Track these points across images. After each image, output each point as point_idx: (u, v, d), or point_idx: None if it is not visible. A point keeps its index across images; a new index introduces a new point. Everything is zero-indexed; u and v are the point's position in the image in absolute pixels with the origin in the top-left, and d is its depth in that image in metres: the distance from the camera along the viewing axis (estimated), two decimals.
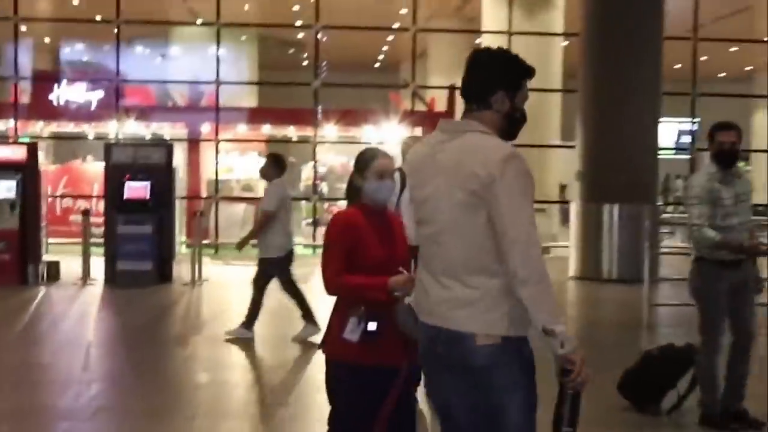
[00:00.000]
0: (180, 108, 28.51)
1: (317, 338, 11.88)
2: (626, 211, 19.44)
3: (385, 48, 36.89)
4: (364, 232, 5.55)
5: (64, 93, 24.89)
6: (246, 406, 10.23)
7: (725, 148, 8.11)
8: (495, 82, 4.52)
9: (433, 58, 34.43)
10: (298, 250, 22.30)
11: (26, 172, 18.44)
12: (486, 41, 26.18)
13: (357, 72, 35.67)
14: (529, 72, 4.60)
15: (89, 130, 27.00)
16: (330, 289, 5.56)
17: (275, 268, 12.92)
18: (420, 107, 26.36)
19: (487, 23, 26.54)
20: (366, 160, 5.67)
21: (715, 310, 8.28)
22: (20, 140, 23.18)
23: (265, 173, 13.47)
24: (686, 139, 30.76)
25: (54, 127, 27.61)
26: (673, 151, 32.45)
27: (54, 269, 18.95)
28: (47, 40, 34.83)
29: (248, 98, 32.12)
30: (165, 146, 20.08)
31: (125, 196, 18.45)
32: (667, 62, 26.52)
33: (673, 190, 36.57)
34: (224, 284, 18.79)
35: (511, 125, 4.57)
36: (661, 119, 22.85)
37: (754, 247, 8.30)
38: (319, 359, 6.65)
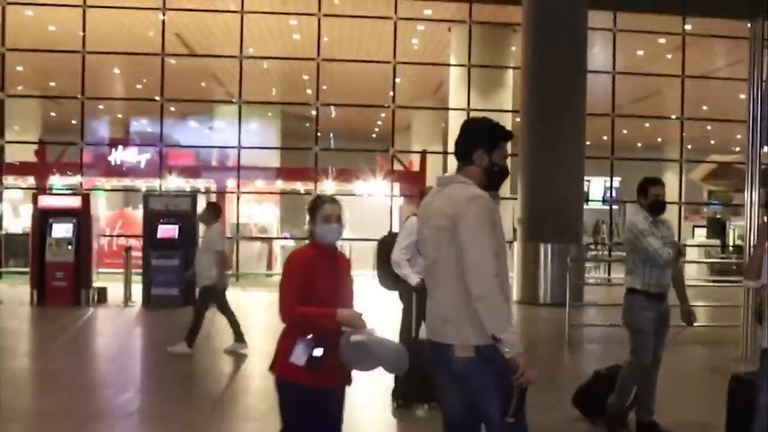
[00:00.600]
0: (210, 167, 28.07)
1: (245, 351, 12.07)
2: (557, 249, 18.99)
3: (379, 122, 36.50)
4: (316, 266, 5.00)
5: (120, 155, 24.47)
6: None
7: (659, 200, 7.69)
8: (475, 142, 4.56)
9: (415, 130, 34.27)
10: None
11: (80, 217, 17.99)
12: (451, 117, 25.66)
13: (360, 141, 35.78)
14: (505, 135, 4.65)
15: (141, 184, 26.35)
16: (285, 317, 4.95)
17: (210, 295, 12.29)
18: (398, 167, 25.69)
19: (453, 102, 25.69)
20: (315, 206, 5.18)
21: (646, 335, 7.71)
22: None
23: (205, 219, 12.83)
24: (608, 193, 30.33)
25: (114, 181, 27.17)
26: (601, 202, 31.87)
27: (102, 294, 18.38)
28: (119, 115, 34.63)
29: (273, 161, 31.49)
30: (190, 196, 19.53)
31: (158, 236, 18.05)
32: (597, 134, 26.76)
33: (601, 232, 35.90)
34: (239, 306, 17.96)
35: (490, 178, 4.58)
36: (588, 178, 22.31)
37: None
38: None
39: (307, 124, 36.35)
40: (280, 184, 28.01)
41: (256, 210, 27.57)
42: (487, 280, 4.25)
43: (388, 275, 9.12)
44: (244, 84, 24.83)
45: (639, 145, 38.26)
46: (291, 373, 4.90)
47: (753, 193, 12.42)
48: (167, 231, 17.95)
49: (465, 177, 4.56)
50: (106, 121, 32.56)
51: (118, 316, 16.71)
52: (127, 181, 26.38)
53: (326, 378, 4.87)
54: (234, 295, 19.31)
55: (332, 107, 28.90)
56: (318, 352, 4.82)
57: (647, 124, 33.80)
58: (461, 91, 25.12)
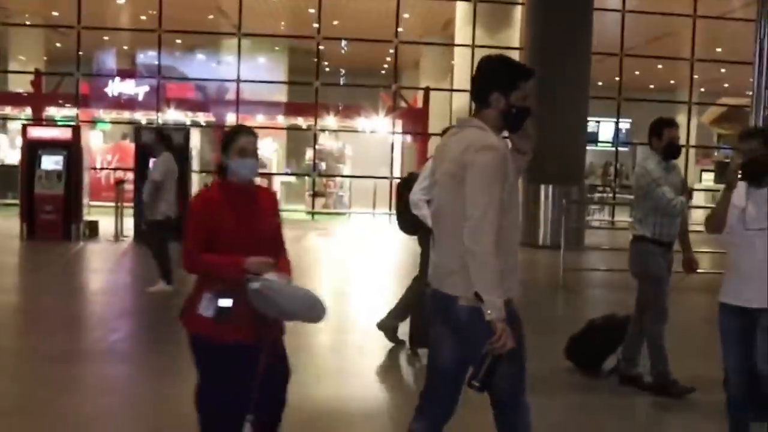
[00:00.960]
0: (210, 100, 27.16)
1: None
2: (558, 191, 18.41)
3: (388, 59, 35.80)
4: (222, 209, 4.41)
5: (117, 87, 23.96)
6: None
7: (674, 143, 7.17)
8: (491, 84, 4.23)
9: (423, 67, 33.46)
10: (300, 215, 21.15)
11: (71, 149, 17.45)
12: (457, 54, 25.00)
13: (369, 77, 35.05)
14: (524, 74, 4.26)
15: (140, 116, 25.83)
16: (186, 265, 4.44)
17: (159, 229, 11.58)
18: (402, 104, 25.07)
19: (459, 39, 25.02)
20: (229, 138, 4.54)
21: (663, 283, 7.25)
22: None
23: (153, 148, 12.25)
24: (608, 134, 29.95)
25: (114, 114, 26.69)
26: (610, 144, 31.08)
27: (93, 228, 17.97)
28: (125, 47, 33.81)
29: (279, 97, 30.53)
30: (183, 129, 18.94)
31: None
32: (609, 75, 26.22)
33: (610, 174, 35.40)
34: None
35: (508, 120, 4.25)
36: (597, 119, 21.66)
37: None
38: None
39: (315, 60, 36.09)
40: (281, 120, 27.40)
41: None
42: (483, 237, 3.96)
43: (407, 218, 8.47)
44: (251, 18, 24.26)
45: (651, 86, 37.35)
46: (199, 326, 4.45)
47: None
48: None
49: (481, 121, 4.23)
50: (111, 52, 31.92)
51: (104, 250, 16.34)
52: (125, 114, 25.82)
53: (239, 331, 4.38)
54: None
55: (343, 43, 28.10)
56: (225, 302, 4.37)
57: (660, 66, 32.92)
58: (468, 27, 24.40)
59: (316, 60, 25.49)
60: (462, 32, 24.81)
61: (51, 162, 17.20)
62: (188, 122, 25.31)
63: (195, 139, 20.33)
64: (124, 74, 25.74)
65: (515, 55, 22.14)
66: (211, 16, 29.99)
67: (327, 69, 37.14)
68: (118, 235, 17.42)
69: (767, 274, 5.09)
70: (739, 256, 5.26)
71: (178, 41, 29.19)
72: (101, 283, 13.25)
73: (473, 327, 4.05)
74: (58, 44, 34.20)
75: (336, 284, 13.67)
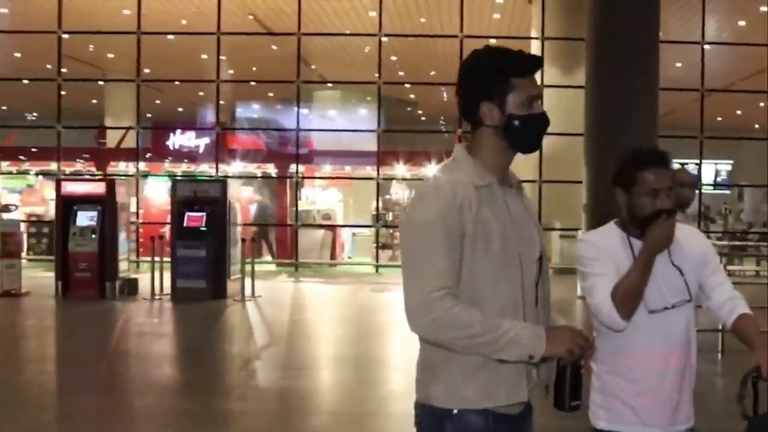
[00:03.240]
0: (271, 152, 25.99)
1: None
2: None
3: None
4: None
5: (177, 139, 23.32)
6: None
7: None
8: (477, 92, 2.89)
9: None
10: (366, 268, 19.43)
11: (105, 204, 16.50)
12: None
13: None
14: (519, 66, 2.89)
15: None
16: None
17: None
18: None
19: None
20: None
21: None
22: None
23: None
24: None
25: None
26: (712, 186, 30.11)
27: (132, 286, 16.82)
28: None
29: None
30: (220, 182, 17.86)
31: (185, 224, 16.37)
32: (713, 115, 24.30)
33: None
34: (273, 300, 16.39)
35: (512, 137, 2.89)
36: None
37: None
38: None
39: (409, 108, 34.91)
40: (348, 169, 26.23)
41: (320, 196, 25.81)
42: (420, 319, 2.73)
43: None
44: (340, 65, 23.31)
45: (756, 126, 34.82)
46: None
47: None
48: (194, 219, 16.30)
49: (476, 145, 2.94)
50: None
51: (132, 310, 15.24)
52: (184, 167, 25.09)
53: None
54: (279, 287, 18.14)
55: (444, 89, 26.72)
56: None
57: (762, 104, 30.54)
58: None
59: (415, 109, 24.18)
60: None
61: (85, 218, 16.33)
62: (258, 173, 24.40)
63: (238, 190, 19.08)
64: (185, 126, 24.98)
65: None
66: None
67: (423, 118, 36.24)
68: (153, 294, 16.26)
69: None
70: None
71: (270, 94, 28.80)
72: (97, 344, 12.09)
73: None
74: (157, 101, 34.38)
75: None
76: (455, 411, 2.83)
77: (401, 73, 28.56)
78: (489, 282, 2.81)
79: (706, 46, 23.16)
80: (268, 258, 23.17)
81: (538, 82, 2.99)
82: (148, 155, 24.48)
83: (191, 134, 23.83)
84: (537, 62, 2.96)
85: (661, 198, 3.33)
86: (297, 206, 22.95)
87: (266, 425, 7.89)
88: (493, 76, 2.86)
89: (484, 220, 2.80)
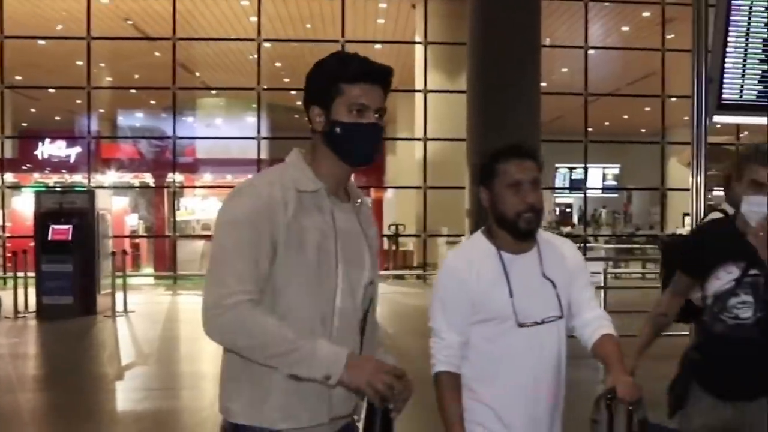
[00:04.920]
0: (147, 161, 25.36)
1: None
2: None
3: None
4: None
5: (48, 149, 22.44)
6: None
7: None
8: (307, 99, 2.72)
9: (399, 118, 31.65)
10: None
11: None
12: (418, 100, 23.00)
13: None
14: (348, 72, 2.67)
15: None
16: None
17: None
18: None
19: (419, 85, 23.15)
20: None
21: None
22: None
23: None
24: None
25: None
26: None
27: None
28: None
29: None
30: (87, 193, 17.00)
31: (49, 237, 15.54)
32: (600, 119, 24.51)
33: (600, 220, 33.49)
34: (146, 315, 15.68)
35: (336, 144, 2.70)
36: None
37: None
38: None
39: (296, 116, 34.51)
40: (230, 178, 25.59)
41: (200, 205, 25.14)
42: (212, 322, 2.54)
43: None
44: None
45: (643, 130, 35.38)
46: None
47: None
48: (59, 231, 15.49)
49: (313, 151, 2.78)
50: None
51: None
52: (56, 177, 24.19)
53: None
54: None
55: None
56: None
57: (648, 108, 31.00)
58: (428, 71, 22.55)
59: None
60: (421, 77, 22.89)
61: None
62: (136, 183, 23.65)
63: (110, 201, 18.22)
64: (55, 135, 24.05)
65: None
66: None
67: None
68: (16, 312, 15.38)
69: None
70: None
71: (152, 102, 27.99)
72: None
73: None
74: (32, 109, 33.18)
75: None
76: (252, 428, 2.66)
77: (287, 80, 28.09)
78: (298, 292, 2.63)
79: (590, 51, 23.27)
80: (145, 270, 22.42)
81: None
82: (26, 166, 23.57)
83: (62, 143, 22.86)
84: (372, 69, 2.70)
85: (524, 191, 3.07)
86: (175, 216, 22.22)
87: None
88: (322, 79, 2.72)
89: (300, 226, 2.63)
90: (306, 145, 2.82)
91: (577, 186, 29.05)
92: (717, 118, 10.13)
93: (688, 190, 7.29)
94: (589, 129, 24.19)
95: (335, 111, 2.68)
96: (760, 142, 3.73)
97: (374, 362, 2.60)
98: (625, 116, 32.67)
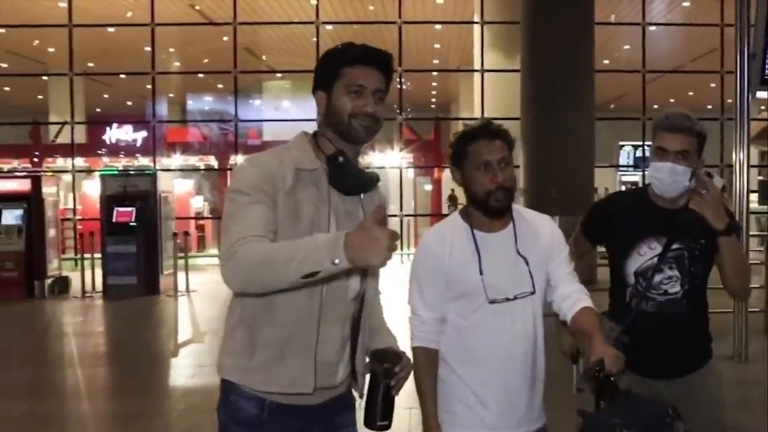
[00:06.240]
0: (212, 144, 25.66)
1: None
2: (565, 222, 15.75)
3: (434, 92, 34.35)
4: None
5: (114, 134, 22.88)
6: None
7: None
8: (314, 84, 2.89)
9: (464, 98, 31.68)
10: None
11: (31, 202, 16.04)
12: (477, 81, 22.88)
13: (417, 111, 33.43)
14: (348, 56, 2.82)
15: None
16: None
17: None
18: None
19: (478, 65, 22.99)
20: None
21: None
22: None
23: None
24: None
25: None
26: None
27: (63, 284, 16.49)
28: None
29: None
30: (150, 176, 17.23)
31: (114, 219, 15.98)
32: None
33: None
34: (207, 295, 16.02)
35: (334, 127, 2.84)
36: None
37: None
38: None
39: None
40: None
41: None
42: (226, 267, 2.59)
43: None
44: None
45: (709, 107, 34.73)
46: None
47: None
48: (123, 214, 15.92)
49: (320, 134, 2.90)
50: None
51: (57, 309, 14.82)
52: (124, 161, 24.67)
53: None
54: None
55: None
56: None
57: (713, 84, 30.44)
58: (486, 51, 22.46)
59: None
60: (478, 58, 22.82)
61: (10, 216, 15.89)
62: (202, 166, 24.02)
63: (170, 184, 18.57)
64: (121, 120, 24.52)
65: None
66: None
67: None
68: (84, 292, 15.89)
69: None
70: None
71: (220, 86, 28.35)
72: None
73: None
74: (105, 95, 33.86)
75: None
76: (238, 387, 2.83)
77: None
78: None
79: (651, 28, 22.93)
80: (211, 251, 22.76)
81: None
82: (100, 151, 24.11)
83: (128, 128, 23.33)
84: (370, 52, 2.84)
85: (493, 171, 3.12)
86: None
87: (187, 425, 7.54)
88: (325, 65, 2.85)
89: (296, 198, 2.74)
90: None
91: (639, 164, 28.64)
92: (760, 94, 10.09)
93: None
94: (655, 106, 23.90)
95: (336, 94, 2.81)
96: (674, 110, 3.64)
97: (371, 233, 2.43)
98: (690, 93, 32.17)
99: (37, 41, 25.34)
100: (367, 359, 2.93)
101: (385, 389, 2.81)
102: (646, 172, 3.38)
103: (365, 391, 2.88)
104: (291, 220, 2.72)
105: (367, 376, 2.89)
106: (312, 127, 2.99)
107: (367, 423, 2.84)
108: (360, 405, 2.92)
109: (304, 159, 2.81)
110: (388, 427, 2.85)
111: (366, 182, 2.90)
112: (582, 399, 3.12)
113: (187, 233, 17.59)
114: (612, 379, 2.95)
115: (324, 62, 2.87)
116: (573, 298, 3.29)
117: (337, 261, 2.41)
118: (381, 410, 2.82)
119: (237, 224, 2.63)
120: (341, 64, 2.81)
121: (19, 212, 15.89)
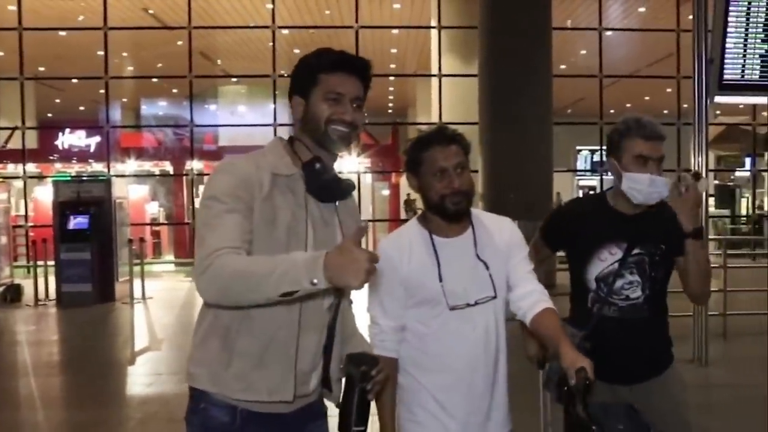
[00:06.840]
0: (166, 148, 25.54)
1: None
2: (523, 227, 15.77)
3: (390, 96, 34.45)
4: None
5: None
6: None
7: None
8: (290, 90, 2.86)
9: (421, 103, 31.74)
10: None
11: None
12: (434, 85, 22.99)
13: (374, 116, 33.45)
14: (324, 62, 2.79)
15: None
16: None
17: None
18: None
19: (435, 70, 23.09)
20: None
21: None
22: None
23: None
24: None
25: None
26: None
27: (15, 292, 16.26)
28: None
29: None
30: (104, 182, 16.98)
31: (68, 226, 15.83)
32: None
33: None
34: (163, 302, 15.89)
35: (312, 134, 2.81)
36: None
37: None
38: None
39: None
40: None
41: None
42: (200, 279, 2.53)
43: None
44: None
45: (665, 111, 35.13)
46: None
47: None
48: (78, 221, 15.75)
49: (298, 140, 2.86)
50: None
51: (7, 318, 14.57)
52: (77, 167, 24.41)
53: None
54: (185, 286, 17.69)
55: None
56: None
57: (669, 89, 30.77)
58: (444, 57, 22.56)
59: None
60: (437, 61, 22.92)
61: None
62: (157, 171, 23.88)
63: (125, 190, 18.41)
64: (74, 125, 24.28)
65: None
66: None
67: None
68: (37, 300, 15.68)
69: None
70: None
71: (175, 91, 28.17)
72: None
73: None
74: (57, 100, 33.49)
75: None
76: (213, 396, 2.77)
77: None
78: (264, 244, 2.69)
79: (608, 33, 23.17)
80: (167, 258, 22.64)
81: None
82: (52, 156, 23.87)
83: (81, 133, 23.10)
84: (348, 60, 2.82)
85: (449, 176, 3.11)
86: (194, 204, 22.41)
87: None
88: (303, 71, 2.83)
89: (273, 204, 2.70)
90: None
91: (596, 168, 28.95)
92: (718, 99, 10.21)
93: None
94: (611, 111, 24.13)
95: (313, 100, 2.78)
96: (640, 115, 3.66)
97: (351, 254, 2.40)
98: (647, 97, 32.49)
99: None
100: (342, 363, 2.89)
101: (360, 393, 2.76)
102: (604, 177, 3.38)
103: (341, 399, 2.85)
104: (268, 225, 2.69)
105: (343, 381, 2.85)
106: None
107: (342, 429, 2.80)
108: (332, 413, 2.88)
109: (281, 164, 2.79)
110: None
111: (342, 190, 2.88)
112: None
113: (142, 239, 17.44)
114: (587, 383, 2.90)
115: (301, 68, 2.84)
116: (532, 298, 3.25)
117: (315, 281, 2.39)
118: (356, 415, 2.76)
119: (212, 234, 2.58)
120: (319, 70, 2.79)
121: None
